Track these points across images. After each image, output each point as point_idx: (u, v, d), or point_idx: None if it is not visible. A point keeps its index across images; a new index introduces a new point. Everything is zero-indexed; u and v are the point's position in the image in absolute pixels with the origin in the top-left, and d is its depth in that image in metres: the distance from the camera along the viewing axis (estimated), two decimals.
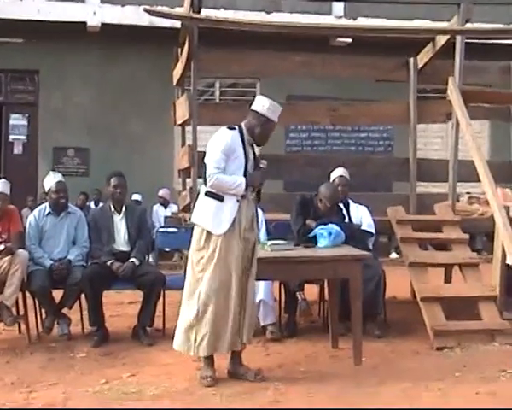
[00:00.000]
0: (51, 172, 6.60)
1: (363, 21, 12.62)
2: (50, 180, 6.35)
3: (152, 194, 12.19)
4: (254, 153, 4.94)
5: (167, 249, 10.10)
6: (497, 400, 4.41)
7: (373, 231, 6.57)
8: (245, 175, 4.75)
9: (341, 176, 6.60)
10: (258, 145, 4.92)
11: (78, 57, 12.87)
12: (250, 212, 4.86)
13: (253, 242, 4.86)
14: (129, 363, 5.37)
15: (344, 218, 6.32)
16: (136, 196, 11.77)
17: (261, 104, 4.84)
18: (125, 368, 5.21)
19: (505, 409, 4.32)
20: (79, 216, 6.37)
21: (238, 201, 4.74)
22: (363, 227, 6.54)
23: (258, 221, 5.10)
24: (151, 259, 7.27)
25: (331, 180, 6.55)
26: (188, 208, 7.28)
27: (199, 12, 6.91)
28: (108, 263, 6.02)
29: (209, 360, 4.86)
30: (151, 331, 6.12)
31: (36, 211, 6.41)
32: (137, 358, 5.51)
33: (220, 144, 4.75)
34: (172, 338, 4.90)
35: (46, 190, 6.39)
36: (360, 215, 6.61)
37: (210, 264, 4.72)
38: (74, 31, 12.23)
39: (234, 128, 4.82)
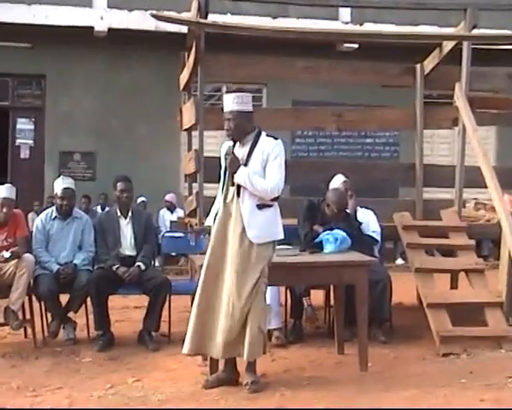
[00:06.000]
0: (61, 177, 6.61)
1: (369, 27, 12.60)
2: (59, 185, 6.37)
3: (158, 198, 12.18)
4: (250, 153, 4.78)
5: (173, 254, 10.10)
6: (502, 407, 4.39)
7: (378, 238, 6.56)
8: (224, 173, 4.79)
9: (345, 181, 6.59)
10: (233, 141, 4.81)
11: (84, 62, 12.89)
12: (237, 213, 4.72)
13: (238, 243, 4.67)
14: (134, 368, 5.37)
15: (354, 224, 6.31)
16: (141, 198, 11.73)
17: None
18: (130, 373, 5.21)
19: None
20: (86, 221, 6.37)
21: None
22: (368, 233, 6.53)
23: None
24: (157, 263, 7.28)
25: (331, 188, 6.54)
26: (194, 213, 7.28)
27: (206, 17, 6.93)
28: (114, 268, 6.03)
29: (210, 363, 4.83)
30: (156, 336, 6.12)
31: (43, 215, 6.43)
32: (143, 363, 5.51)
33: None
34: (180, 342, 4.89)
35: (54, 193, 6.44)
36: (367, 220, 6.60)
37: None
38: (81, 36, 12.26)
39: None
